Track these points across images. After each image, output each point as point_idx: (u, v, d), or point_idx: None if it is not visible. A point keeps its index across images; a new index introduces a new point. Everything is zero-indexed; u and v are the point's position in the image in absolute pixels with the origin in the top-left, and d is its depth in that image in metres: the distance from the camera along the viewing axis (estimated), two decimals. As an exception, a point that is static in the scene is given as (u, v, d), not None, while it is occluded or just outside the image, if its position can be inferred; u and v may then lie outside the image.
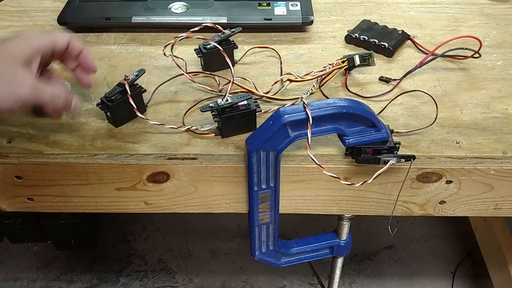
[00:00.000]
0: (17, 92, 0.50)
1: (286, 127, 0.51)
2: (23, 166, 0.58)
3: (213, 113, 0.58)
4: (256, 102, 0.59)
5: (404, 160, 0.54)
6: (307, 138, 0.50)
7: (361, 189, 0.59)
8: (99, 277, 1.30)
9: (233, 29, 0.68)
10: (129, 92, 0.58)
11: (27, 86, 0.51)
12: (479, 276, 1.27)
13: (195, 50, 0.68)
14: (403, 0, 0.85)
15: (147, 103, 0.64)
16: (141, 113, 0.59)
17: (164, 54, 0.66)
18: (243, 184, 0.59)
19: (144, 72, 0.61)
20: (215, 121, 0.59)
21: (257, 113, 0.59)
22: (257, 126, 0.58)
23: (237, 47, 0.69)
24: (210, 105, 0.57)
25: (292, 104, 0.63)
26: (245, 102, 0.58)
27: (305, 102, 0.50)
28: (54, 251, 1.32)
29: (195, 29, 0.66)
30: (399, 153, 0.55)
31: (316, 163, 0.52)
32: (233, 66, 0.68)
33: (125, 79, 0.59)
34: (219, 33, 0.67)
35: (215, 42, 0.65)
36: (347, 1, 0.85)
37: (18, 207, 0.64)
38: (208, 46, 0.66)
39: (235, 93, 0.64)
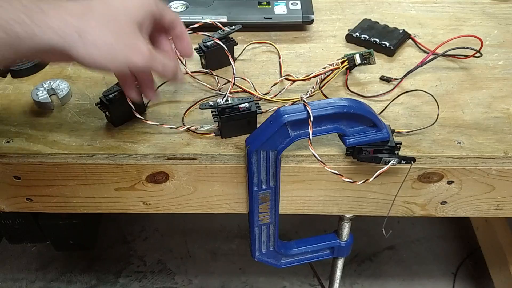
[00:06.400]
0: (133, 58, 0.45)
1: (286, 127, 0.51)
2: (22, 166, 0.58)
3: (213, 113, 0.57)
4: (257, 103, 0.59)
5: (404, 162, 0.54)
6: (309, 135, 0.50)
7: (361, 189, 0.59)
8: (98, 278, 1.29)
9: (233, 26, 0.68)
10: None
11: (144, 54, 0.46)
12: (480, 276, 1.26)
13: (195, 49, 0.68)
14: (404, -1, 0.84)
15: (148, 102, 0.63)
16: (141, 113, 0.58)
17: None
18: (243, 184, 0.59)
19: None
20: (214, 121, 0.58)
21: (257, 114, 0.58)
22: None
23: (237, 44, 0.69)
24: (210, 103, 0.57)
25: (292, 104, 0.63)
26: (247, 104, 0.57)
27: (306, 101, 0.50)
28: (53, 252, 1.32)
29: (195, 25, 0.66)
30: (400, 153, 0.55)
31: (318, 159, 0.51)
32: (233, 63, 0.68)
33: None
34: (219, 31, 0.67)
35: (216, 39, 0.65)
36: (348, 0, 0.84)
37: (17, 207, 0.63)
38: (209, 44, 0.66)
39: (235, 93, 0.64)
